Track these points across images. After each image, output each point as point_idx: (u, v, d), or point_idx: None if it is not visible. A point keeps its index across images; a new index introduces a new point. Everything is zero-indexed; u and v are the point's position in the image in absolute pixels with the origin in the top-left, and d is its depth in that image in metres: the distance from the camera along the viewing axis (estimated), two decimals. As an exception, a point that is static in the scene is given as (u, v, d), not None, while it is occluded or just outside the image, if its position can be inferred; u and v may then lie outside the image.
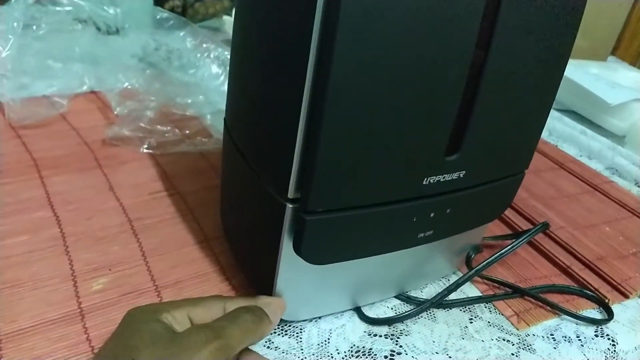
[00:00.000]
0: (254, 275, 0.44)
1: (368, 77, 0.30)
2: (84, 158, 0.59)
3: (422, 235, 0.41)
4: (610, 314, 0.49)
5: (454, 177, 0.38)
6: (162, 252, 0.48)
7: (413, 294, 0.48)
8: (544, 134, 0.84)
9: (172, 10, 0.99)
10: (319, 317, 0.44)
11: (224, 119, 0.44)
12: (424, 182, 0.37)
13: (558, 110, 0.91)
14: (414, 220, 0.39)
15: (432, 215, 0.40)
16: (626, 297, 0.52)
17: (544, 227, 0.52)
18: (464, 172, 0.39)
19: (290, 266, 0.38)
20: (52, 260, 0.45)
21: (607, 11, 1.11)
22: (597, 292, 0.51)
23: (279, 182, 0.35)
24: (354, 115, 0.31)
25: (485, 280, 0.51)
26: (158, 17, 0.73)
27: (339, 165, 0.33)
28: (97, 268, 0.45)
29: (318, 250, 0.36)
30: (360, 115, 0.32)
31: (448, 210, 0.40)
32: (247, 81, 0.38)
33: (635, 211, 0.66)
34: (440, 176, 0.38)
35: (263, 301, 0.38)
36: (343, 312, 0.45)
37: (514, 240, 0.51)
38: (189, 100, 0.63)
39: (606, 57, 1.16)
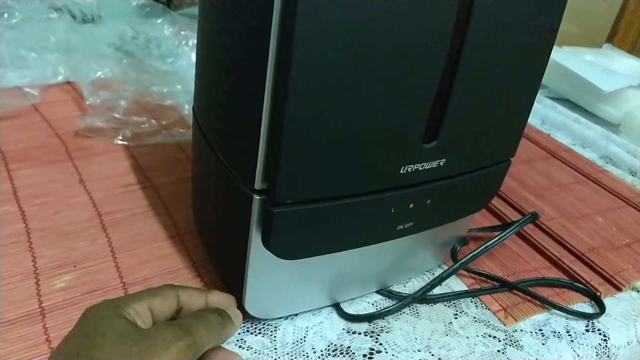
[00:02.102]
0: (224, 271, 0.42)
1: (334, 60, 0.28)
2: (55, 150, 0.56)
3: (401, 227, 0.38)
4: (602, 308, 0.47)
5: (434, 166, 0.36)
6: (132, 248, 0.45)
7: (395, 288, 0.46)
8: (537, 123, 0.82)
9: (157, -2, 0.97)
10: (295, 315, 0.42)
11: (192, 108, 0.42)
12: (401, 171, 0.35)
13: (551, 98, 0.89)
14: (392, 211, 0.37)
15: (411, 206, 0.37)
16: (619, 289, 0.50)
17: (534, 218, 0.50)
18: (444, 160, 0.36)
19: (261, 261, 0.36)
20: (14, 257, 0.43)
21: (600, -1, 1.09)
22: (588, 285, 0.49)
23: (246, 173, 0.33)
24: (320, 101, 0.29)
25: (472, 274, 0.48)
26: (135, 4, 0.70)
27: (307, 154, 0.31)
28: (62, 265, 0.43)
29: (288, 244, 0.34)
30: (327, 101, 0.29)
31: (428, 201, 0.38)
32: (211, 69, 0.36)
33: (629, 201, 0.64)
34: (419, 165, 0.35)
35: (215, 296, 0.35)
36: (321, 308, 0.43)
37: (501, 231, 0.49)
38: (165, 90, 0.61)
39: (602, 44, 1.14)
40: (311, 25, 0.26)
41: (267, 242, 0.34)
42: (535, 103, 0.89)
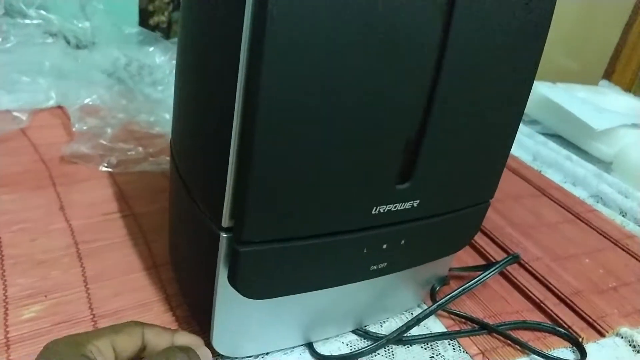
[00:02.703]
0: (194, 306, 0.41)
1: (303, 100, 0.28)
2: (39, 176, 0.56)
3: (374, 267, 0.38)
4: (583, 354, 0.46)
5: (407, 207, 0.36)
6: (106, 279, 0.45)
7: (372, 328, 0.45)
8: (528, 159, 0.82)
9: (156, 26, 0.98)
10: (266, 354, 0.41)
11: (169, 142, 0.42)
12: (373, 212, 0.34)
13: (543, 134, 0.89)
14: (365, 252, 0.36)
15: (384, 246, 0.37)
16: (602, 335, 0.49)
17: (514, 260, 0.49)
18: (418, 201, 0.36)
19: (229, 299, 0.35)
20: (-15, 285, 0.42)
21: (598, 34, 1.10)
22: (570, 330, 0.48)
23: (213, 210, 0.33)
24: (290, 141, 0.29)
25: (451, 315, 0.48)
26: (128, 31, 0.71)
27: (275, 192, 0.30)
28: (32, 294, 0.42)
29: (255, 284, 0.34)
30: (296, 140, 0.29)
31: (402, 242, 0.38)
32: (183, 103, 0.36)
33: (617, 242, 0.63)
34: (392, 205, 0.35)
35: (182, 337, 0.35)
36: (293, 347, 0.42)
37: (482, 272, 0.48)
38: (152, 119, 0.61)
39: (598, 80, 1.14)
40: (280, 63, 0.26)
41: (233, 282, 0.33)
42: (527, 139, 0.89)
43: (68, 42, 0.72)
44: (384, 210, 0.35)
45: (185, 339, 0.34)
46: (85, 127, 0.59)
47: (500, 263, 0.48)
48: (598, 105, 0.87)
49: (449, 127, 0.34)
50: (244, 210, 0.30)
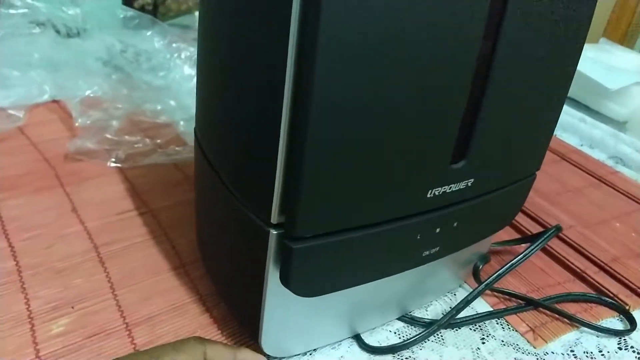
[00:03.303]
0: (236, 307, 0.39)
1: (357, 81, 0.25)
2: (44, 176, 0.53)
3: (427, 253, 0.36)
4: (632, 323, 0.44)
5: (462, 187, 0.33)
6: (133, 282, 0.42)
7: (417, 314, 0.43)
8: (542, 124, 0.80)
9: (142, 8, 0.93)
10: (314, 350, 0.39)
11: (194, 130, 0.39)
12: (429, 195, 0.32)
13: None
14: (418, 238, 0.34)
15: (437, 230, 0.35)
16: (647, 301, 0.47)
17: (557, 231, 0.47)
18: (472, 180, 0.34)
19: (279, 298, 0.33)
20: (5, 300, 0.39)
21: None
22: (616, 298, 0.47)
23: (260, 205, 0.30)
24: (343, 125, 0.26)
25: (495, 293, 0.46)
26: (122, 16, 0.67)
27: (329, 183, 0.28)
28: (58, 306, 0.39)
29: (309, 282, 0.31)
30: (350, 124, 0.26)
31: (455, 224, 0.35)
32: (218, 88, 0.33)
33: (645, 203, 0.62)
34: (447, 187, 0.33)
35: (244, 354, 0.32)
36: (341, 341, 0.40)
37: (525, 246, 0.46)
38: (159, 107, 0.57)
39: (598, 38, 1.12)
40: (333, 57, 0.24)
41: (286, 281, 0.31)
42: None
43: (58, 31, 0.67)
44: (439, 192, 0.32)
45: (248, 356, 0.32)
46: (89, 122, 0.55)
47: (545, 236, 0.46)
48: (608, 64, 0.85)
49: (502, 104, 0.32)
50: (297, 205, 0.28)
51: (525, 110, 0.34)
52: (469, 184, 0.34)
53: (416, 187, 0.31)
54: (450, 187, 0.33)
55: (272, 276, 0.31)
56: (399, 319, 0.42)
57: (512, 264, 0.44)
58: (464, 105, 0.30)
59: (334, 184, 0.28)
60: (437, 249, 0.36)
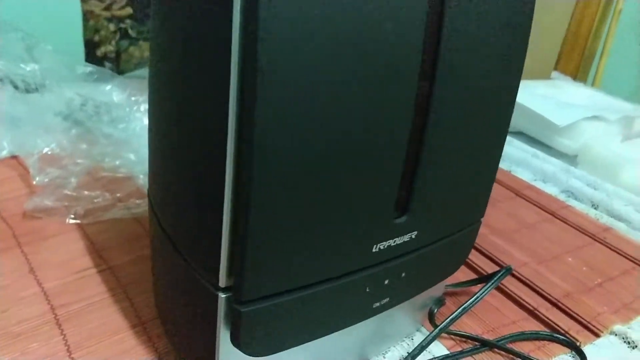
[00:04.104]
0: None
1: (297, 142, 0.27)
2: (1, 237, 0.52)
3: (377, 304, 0.37)
4: (583, 359, 0.46)
5: (406, 240, 0.35)
6: (91, 344, 0.42)
7: (375, 360, 0.44)
8: (497, 160, 0.82)
9: (104, 56, 0.94)
10: (272, 404, 0.39)
11: (147, 193, 0.39)
12: (374, 250, 0.33)
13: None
14: (367, 290, 0.35)
15: (386, 282, 0.36)
16: (597, 335, 0.49)
17: (508, 272, 0.49)
18: (416, 232, 0.35)
19: (232, 357, 0.33)
20: (-42, 370, 0.39)
21: (546, 27, 1.11)
22: (567, 335, 0.48)
23: (208, 269, 0.31)
24: (286, 189, 0.27)
25: (452, 335, 0.47)
26: (80, 71, 0.68)
27: (276, 244, 0.29)
28: (13, 374, 0.39)
29: (260, 342, 0.32)
30: (293, 188, 0.28)
31: (403, 274, 0.37)
32: (162, 151, 0.34)
33: (594, 236, 0.64)
34: (391, 241, 0.34)
35: None
36: (299, 393, 0.40)
37: (480, 286, 0.48)
38: (117, 162, 0.58)
39: (550, 73, 1.17)
40: (272, 110, 0.25)
41: (237, 343, 0.31)
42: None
43: (16, 87, 0.68)
44: (384, 246, 0.34)
45: None
46: (46, 179, 0.55)
47: (495, 278, 0.47)
48: (558, 100, 0.89)
49: (441, 155, 0.33)
50: (245, 268, 0.29)
51: (465, 160, 0.36)
52: (413, 236, 0.35)
53: (361, 243, 0.33)
54: (395, 241, 0.34)
55: (224, 337, 0.32)
56: (356, 367, 0.43)
57: (466, 307, 0.45)
58: (402, 162, 0.31)
59: (280, 247, 0.29)
60: (387, 299, 0.37)
